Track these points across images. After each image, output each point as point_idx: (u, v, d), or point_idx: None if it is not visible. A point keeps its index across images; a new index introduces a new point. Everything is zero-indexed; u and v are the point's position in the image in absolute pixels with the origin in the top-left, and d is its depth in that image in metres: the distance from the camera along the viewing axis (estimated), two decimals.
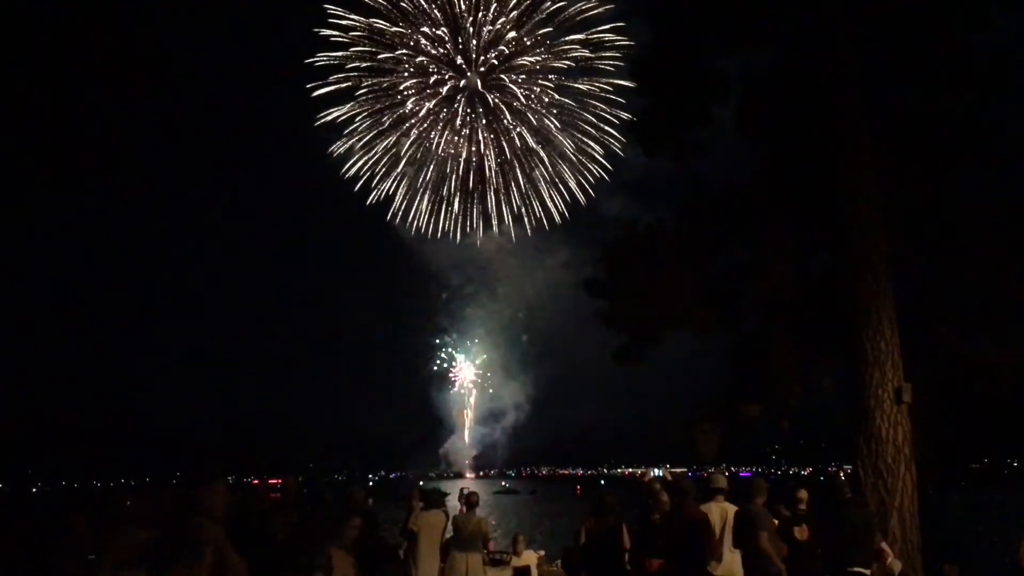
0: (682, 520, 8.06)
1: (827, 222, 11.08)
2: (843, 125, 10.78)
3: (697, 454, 13.25)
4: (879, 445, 10.01)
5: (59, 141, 9.52)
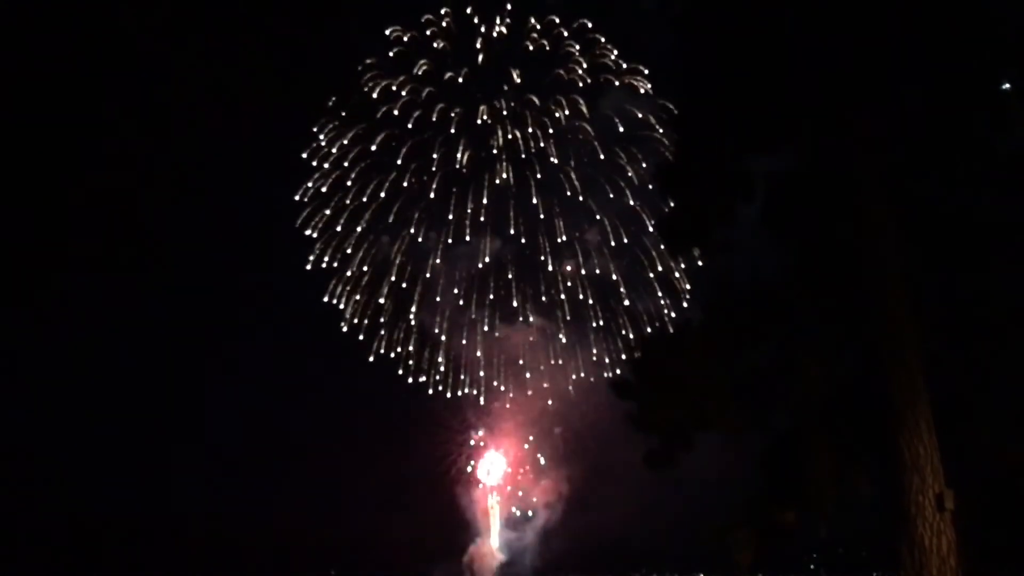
0: None
1: (858, 321, 10.96)
2: (869, 225, 10.79)
3: (732, 562, 12.80)
4: (922, 555, 9.59)
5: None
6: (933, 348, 10.81)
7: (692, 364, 12.48)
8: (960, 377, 11.71)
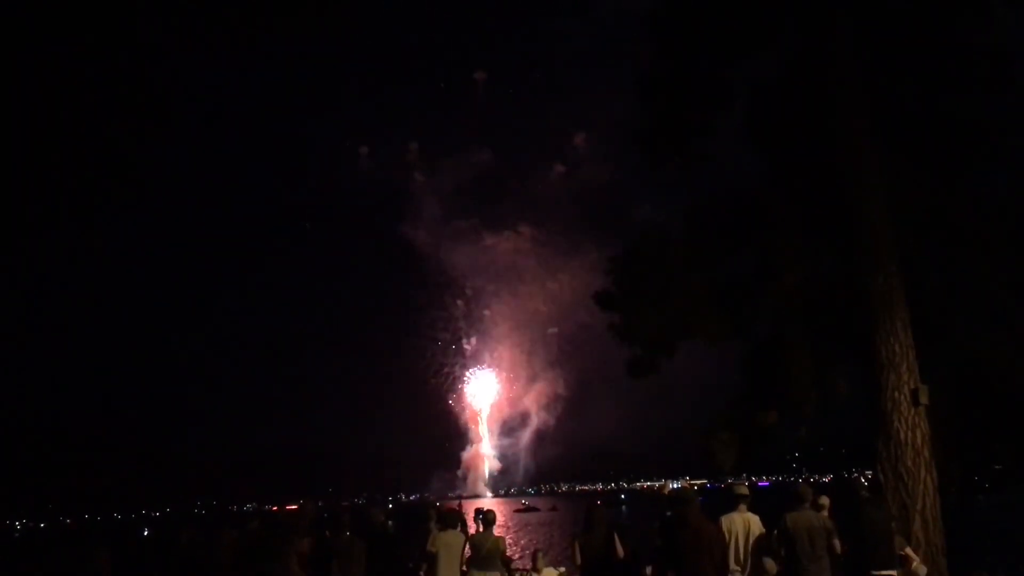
0: (687, 531, 7.91)
1: (836, 226, 11.04)
2: (847, 129, 10.77)
3: (715, 465, 13.12)
4: (898, 448, 9.93)
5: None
6: (909, 249, 10.94)
7: (673, 274, 12.55)
8: (935, 277, 11.90)
